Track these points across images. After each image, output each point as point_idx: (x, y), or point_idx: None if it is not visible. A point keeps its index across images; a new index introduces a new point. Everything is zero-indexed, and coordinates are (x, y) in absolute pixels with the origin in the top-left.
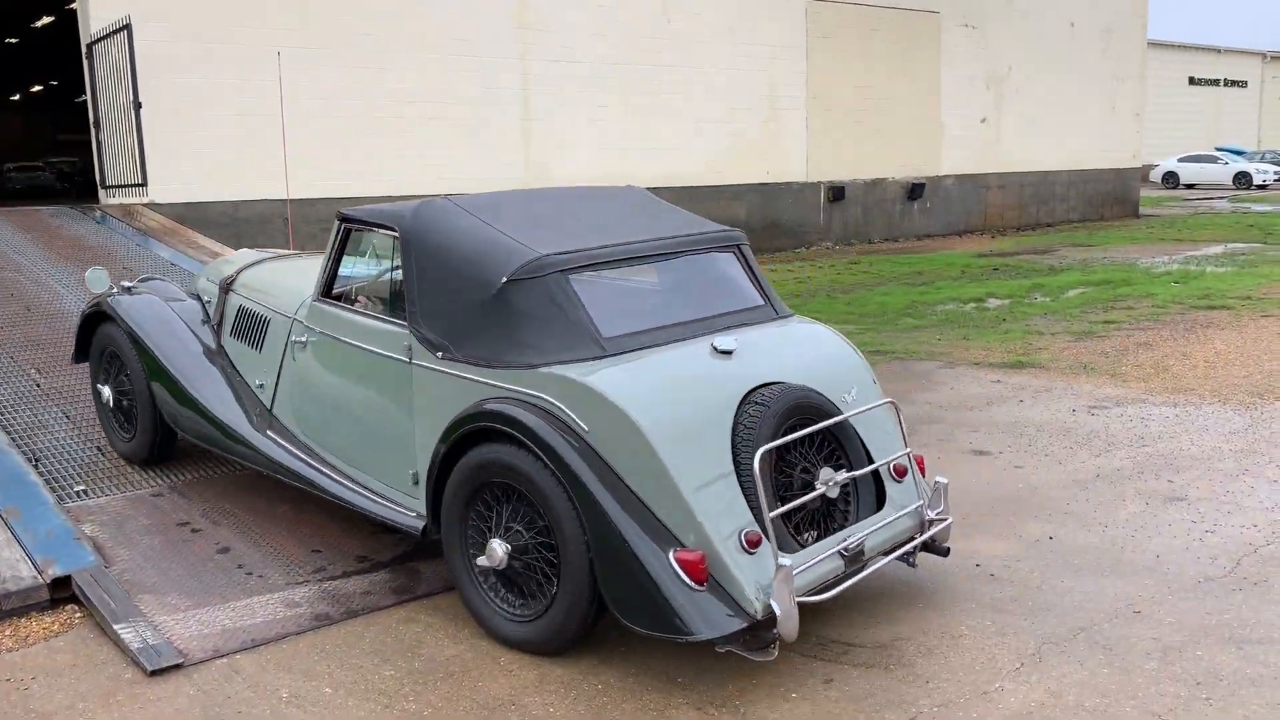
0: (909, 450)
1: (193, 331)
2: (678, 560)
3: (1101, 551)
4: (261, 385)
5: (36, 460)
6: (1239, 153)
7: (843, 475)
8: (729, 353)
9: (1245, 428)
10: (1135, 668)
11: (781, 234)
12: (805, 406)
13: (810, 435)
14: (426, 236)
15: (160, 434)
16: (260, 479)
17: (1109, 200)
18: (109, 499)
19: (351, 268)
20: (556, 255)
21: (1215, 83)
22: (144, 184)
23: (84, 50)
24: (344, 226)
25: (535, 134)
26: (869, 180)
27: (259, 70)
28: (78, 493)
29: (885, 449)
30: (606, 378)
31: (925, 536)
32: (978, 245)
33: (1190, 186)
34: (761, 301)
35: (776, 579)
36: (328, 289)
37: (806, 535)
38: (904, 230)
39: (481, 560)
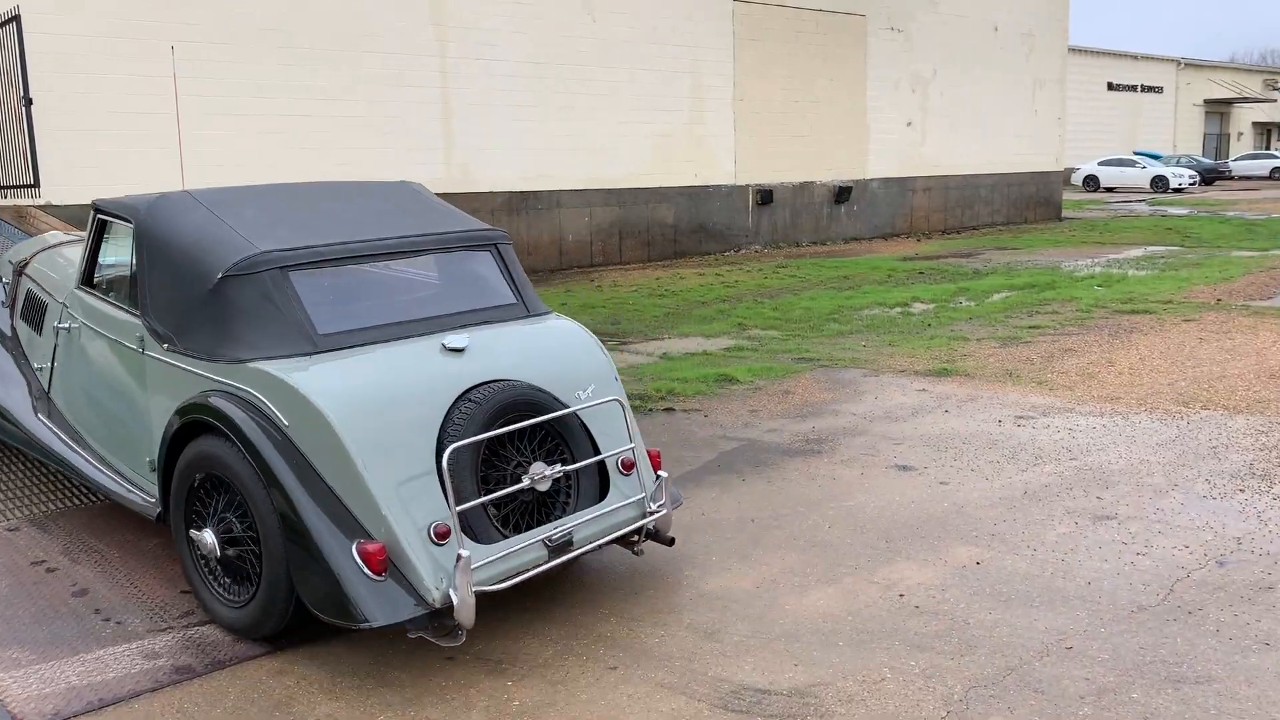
0: (633, 445)
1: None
2: (359, 551)
3: (1031, 578)
4: (40, 369)
5: None
6: (1156, 157)
7: (552, 469)
8: (460, 350)
9: (1173, 439)
10: (1068, 714)
11: (710, 237)
12: (521, 404)
13: (530, 430)
14: (157, 229)
15: None
16: (126, 513)
17: (1032, 203)
18: None
19: (114, 256)
20: (277, 252)
21: (1133, 88)
22: (36, 184)
23: None
24: (97, 216)
25: (456, 135)
26: (797, 183)
27: (159, 66)
28: None
29: (616, 444)
30: (308, 374)
31: (636, 526)
32: (904, 248)
33: (1110, 190)
34: (513, 300)
35: (456, 569)
36: (87, 277)
37: (521, 526)
38: (832, 233)
39: (198, 548)
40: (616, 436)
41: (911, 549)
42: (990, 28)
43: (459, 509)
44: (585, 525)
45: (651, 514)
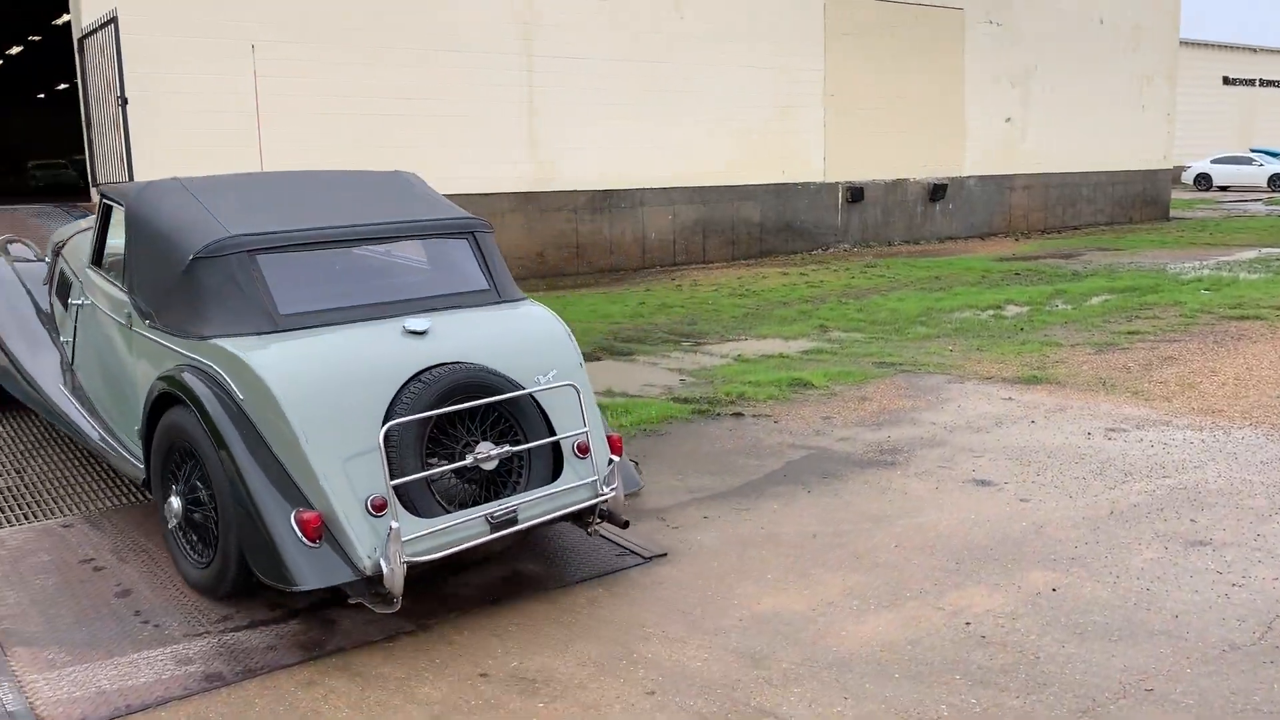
0: (587, 430)
1: (28, 291)
2: (296, 519)
3: (1112, 609)
4: (66, 342)
5: None
6: (1275, 154)
7: (499, 450)
8: (421, 333)
9: (1279, 457)
10: None
11: (796, 236)
12: (471, 385)
13: (483, 411)
14: (143, 212)
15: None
16: None
17: (1138, 202)
18: (14, 530)
19: (116, 238)
20: (246, 235)
21: (1250, 83)
22: (130, 182)
23: (76, 46)
24: (102, 201)
25: (539, 133)
26: (889, 181)
27: (244, 65)
28: None
29: (572, 429)
30: (262, 352)
31: (584, 506)
32: (1000, 248)
33: (1224, 189)
34: (486, 286)
35: (388, 540)
36: (97, 257)
37: (469, 503)
38: (925, 232)
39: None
40: (574, 421)
41: (983, 573)
42: (1095, 20)
43: (395, 483)
44: (533, 504)
45: (601, 496)
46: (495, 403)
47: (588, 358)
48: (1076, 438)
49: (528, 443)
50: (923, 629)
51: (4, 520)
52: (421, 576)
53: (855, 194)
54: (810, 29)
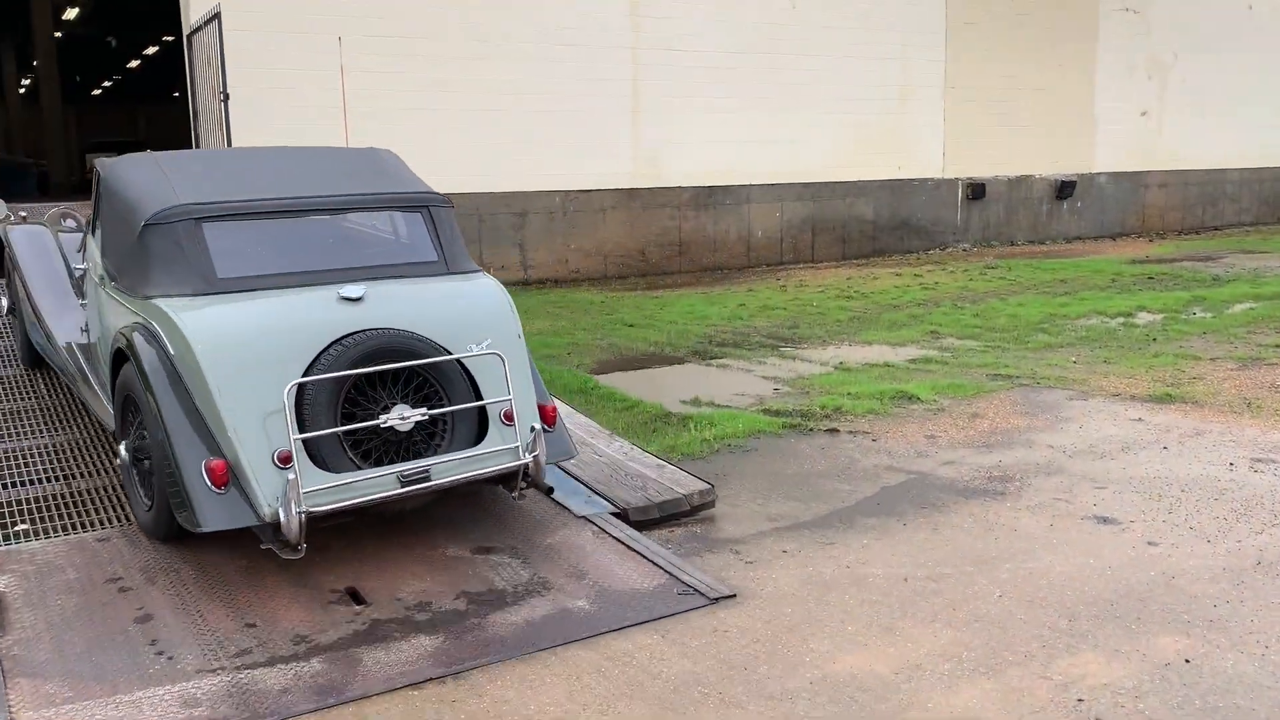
0: (510, 398)
1: (65, 259)
2: (205, 466)
3: (1259, 689)
4: (83, 304)
5: None
6: None
7: (415, 412)
8: (356, 299)
9: None
10: None
11: (913, 234)
12: (392, 350)
13: (407, 375)
14: (112, 182)
15: (32, 351)
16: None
17: None
18: (49, 542)
19: None
20: (195, 204)
21: None
22: None
23: (185, 42)
24: (95, 172)
25: (644, 128)
26: (1013, 177)
27: (346, 60)
28: (18, 533)
29: (499, 396)
30: (191, 312)
31: (500, 471)
32: (1133, 250)
33: None
34: (434, 258)
35: (287, 491)
36: (92, 225)
37: (385, 462)
38: (1051, 232)
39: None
40: (504, 390)
41: (1102, 634)
42: (1243, 6)
43: (301, 438)
44: (449, 465)
45: (520, 462)
46: (414, 367)
47: (675, 362)
48: (1216, 469)
49: (451, 408)
50: (1025, 704)
51: (43, 531)
52: (453, 614)
53: (976, 191)
54: (931, 17)
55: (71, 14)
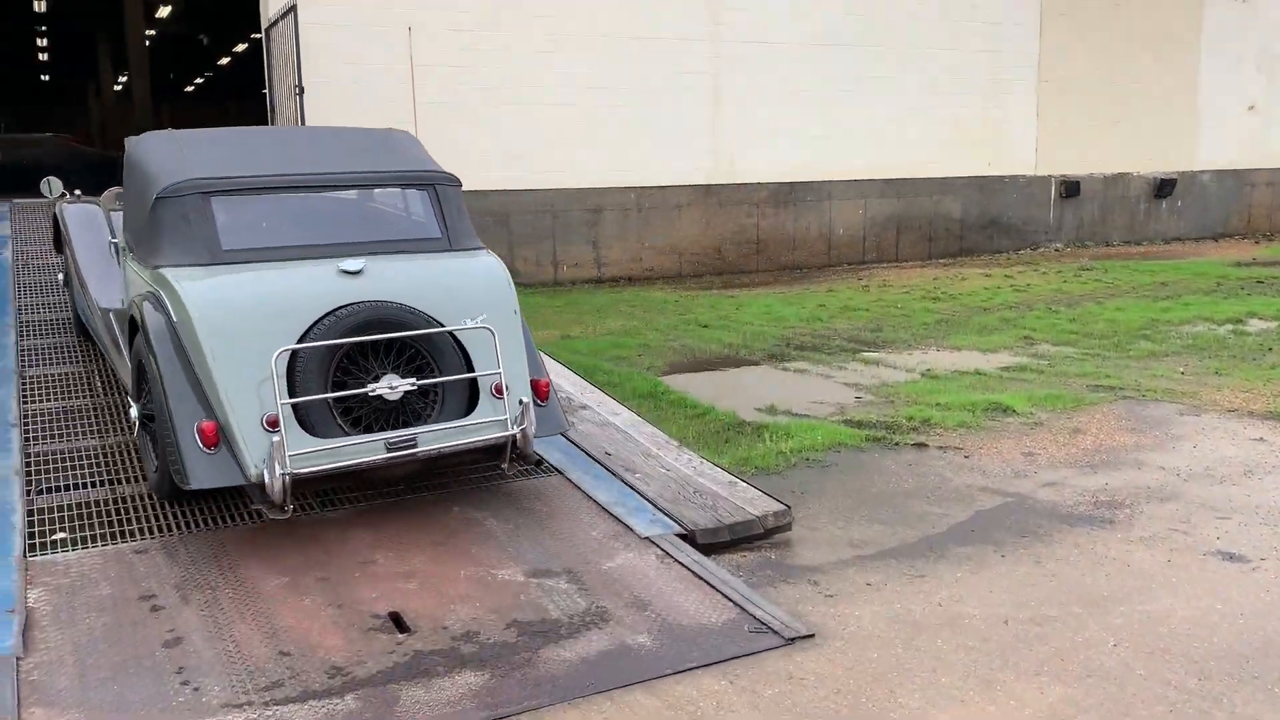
0: (499, 371)
1: (111, 233)
2: (197, 427)
3: None
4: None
5: (37, 490)
6: None
7: (404, 382)
8: (355, 273)
9: None
10: None
11: (1002, 233)
12: (382, 322)
13: (399, 347)
14: (134, 158)
15: (80, 321)
16: (268, 536)
17: None
18: (84, 553)
19: None
20: (204, 179)
21: None
22: None
23: (264, 36)
24: (125, 149)
25: (724, 124)
26: (1109, 174)
27: (421, 53)
28: (55, 541)
29: (490, 369)
30: (193, 282)
31: (487, 442)
32: (1239, 252)
33: None
34: (438, 235)
35: (272, 453)
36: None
37: (374, 429)
38: (1149, 232)
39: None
40: (495, 363)
41: (1237, 697)
42: None
43: (289, 403)
44: (437, 435)
45: (507, 434)
46: (405, 339)
47: (750, 366)
48: None
49: (439, 379)
50: None
51: (84, 540)
52: (501, 646)
53: (1070, 188)
54: (1023, 7)
55: (164, 12)
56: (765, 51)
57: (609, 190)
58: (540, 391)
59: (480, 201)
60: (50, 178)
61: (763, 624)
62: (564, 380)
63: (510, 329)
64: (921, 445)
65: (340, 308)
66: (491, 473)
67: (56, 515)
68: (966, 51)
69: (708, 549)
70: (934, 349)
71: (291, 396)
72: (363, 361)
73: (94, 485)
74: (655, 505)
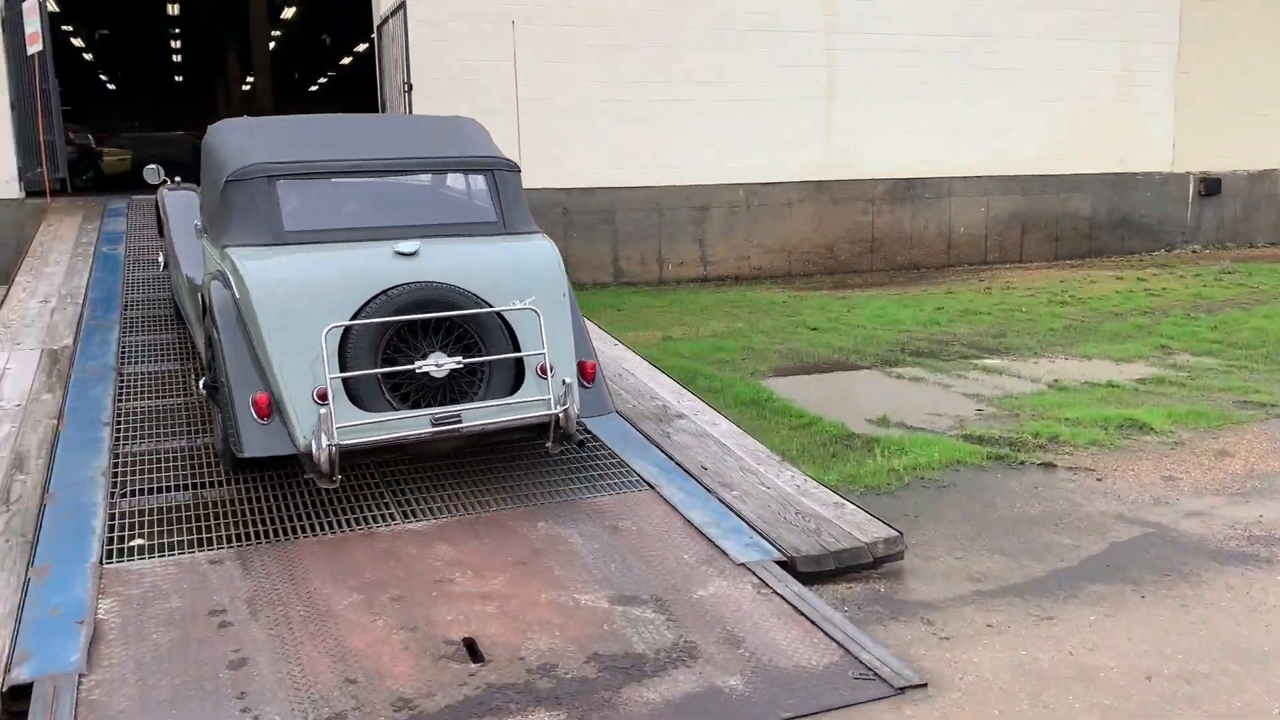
0: (544, 352)
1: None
2: (252, 399)
3: None
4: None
5: (121, 493)
6: None
7: (450, 360)
8: (410, 254)
9: None
10: None
11: (1135, 234)
12: (432, 302)
13: (448, 327)
14: (210, 143)
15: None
16: (346, 548)
17: None
18: (160, 561)
19: None
20: (271, 163)
21: None
22: None
23: (375, 33)
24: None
25: (837, 118)
26: (1254, 172)
27: (528, 49)
28: (132, 548)
29: (536, 349)
30: (255, 261)
31: (531, 421)
32: None
33: None
34: (494, 219)
35: (320, 424)
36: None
37: (422, 405)
38: None
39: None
40: (546, 344)
41: None
42: None
43: (337, 377)
44: (482, 412)
45: (550, 413)
46: (453, 318)
47: (861, 370)
48: None
49: (484, 358)
50: None
51: (161, 547)
52: (580, 682)
53: (1210, 186)
54: None
55: (288, 13)
56: (882, 42)
57: (717, 187)
58: (586, 373)
59: (586, 199)
60: (152, 165)
61: (869, 669)
62: (660, 387)
63: (558, 311)
64: (1049, 465)
65: (392, 288)
66: (579, 486)
67: (137, 520)
68: (1097, 41)
69: (809, 578)
70: (1062, 357)
71: (342, 372)
72: (412, 340)
73: (178, 489)
74: (753, 527)
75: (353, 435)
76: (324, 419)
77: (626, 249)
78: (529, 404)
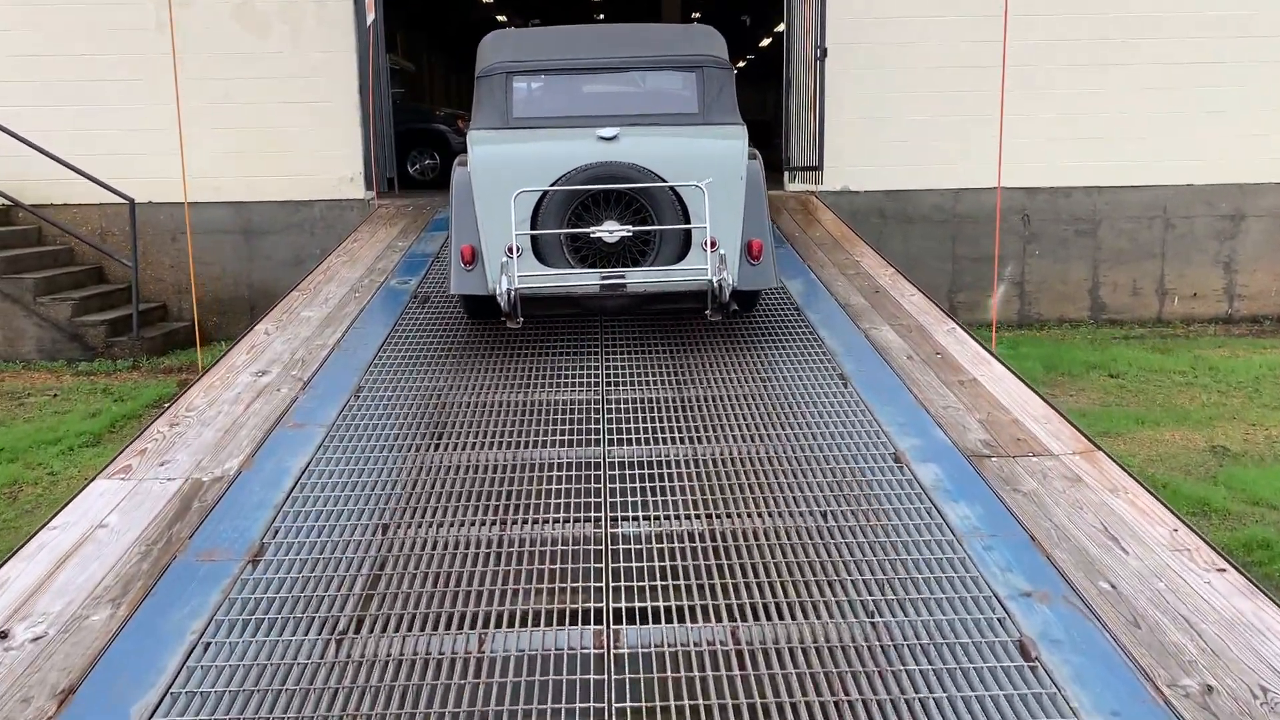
0: (706, 225)
1: None
2: (460, 249)
3: None
4: None
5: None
6: None
7: (621, 228)
8: (610, 139)
9: None
10: None
11: None
12: (613, 177)
13: (627, 200)
14: (479, 51)
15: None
16: None
17: None
18: None
19: None
20: (510, 62)
21: None
22: (818, 166)
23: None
24: None
25: None
26: None
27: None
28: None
29: (710, 225)
30: (481, 142)
31: (690, 288)
32: None
33: None
34: (695, 110)
35: (504, 271)
36: None
37: (598, 266)
38: None
39: None
40: (713, 220)
41: None
42: None
43: (521, 234)
44: (645, 276)
45: (708, 279)
46: (626, 191)
47: None
48: None
49: (652, 227)
50: None
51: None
52: None
53: None
54: None
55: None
56: None
57: (1257, 187)
58: (753, 251)
59: (1059, 202)
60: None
61: None
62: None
63: (733, 193)
64: None
65: (588, 166)
66: None
67: None
68: None
69: None
70: None
71: (533, 232)
72: (595, 210)
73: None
74: None
75: (530, 283)
76: (507, 267)
77: (1113, 273)
78: (689, 271)
